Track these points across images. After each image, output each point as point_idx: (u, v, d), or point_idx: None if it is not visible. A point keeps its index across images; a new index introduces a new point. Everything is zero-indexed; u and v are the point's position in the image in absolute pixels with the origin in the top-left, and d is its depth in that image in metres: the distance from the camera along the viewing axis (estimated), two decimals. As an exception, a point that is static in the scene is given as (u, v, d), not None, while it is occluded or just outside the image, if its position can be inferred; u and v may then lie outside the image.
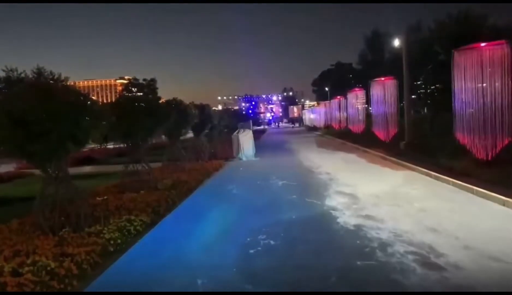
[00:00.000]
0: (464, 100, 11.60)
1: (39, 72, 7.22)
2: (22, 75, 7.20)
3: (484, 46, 11.05)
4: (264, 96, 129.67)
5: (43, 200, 7.29)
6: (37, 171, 8.14)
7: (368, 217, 7.88)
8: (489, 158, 11.02)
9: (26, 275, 5.02)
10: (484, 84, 10.99)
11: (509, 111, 10.55)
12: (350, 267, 5.40)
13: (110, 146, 24.02)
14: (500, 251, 5.61)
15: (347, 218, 7.88)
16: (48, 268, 5.25)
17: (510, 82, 10.55)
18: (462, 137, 11.82)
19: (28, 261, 5.40)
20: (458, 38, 20.09)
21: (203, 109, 19.44)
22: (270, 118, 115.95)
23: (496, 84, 10.71)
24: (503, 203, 8.15)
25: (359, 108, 28.10)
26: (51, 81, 7.23)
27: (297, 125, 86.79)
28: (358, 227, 7.23)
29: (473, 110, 11.31)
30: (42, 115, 6.50)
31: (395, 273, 5.07)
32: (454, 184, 10.37)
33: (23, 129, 6.48)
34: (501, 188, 8.84)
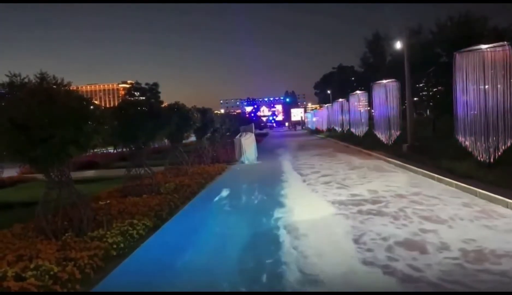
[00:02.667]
0: (466, 102, 11.59)
1: (42, 77, 7.24)
2: (25, 80, 7.22)
3: (486, 48, 11.06)
4: (266, 99, 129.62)
5: (46, 205, 7.32)
6: (39, 176, 8.17)
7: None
8: (491, 160, 11.01)
9: (29, 279, 5.03)
10: (486, 86, 10.99)
11: (511, 113, 10.56)
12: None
13: (111, 150, 24.10)
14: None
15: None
16: (51, 273, 5.25)
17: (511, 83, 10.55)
18: (463, 139, 11.81)
19: (31, 266, 5.40)
20: (460, 40, 20.17)
21: (205, 112, 19.47)
22: (273, 122, 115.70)
23: (498, 86, 10.71)
24: (507, 205, 8.14)
25: (361, 110, 28.14)
26: (53, 86, 7.25)
27: (299, 128, 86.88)
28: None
29: (475, 112, 11.30)
30: (44, 120, 6.52)
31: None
32: (457, 186, 10.35)
33: (26, 134, 6.51)
34: (504, 190, 8.84)
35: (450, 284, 4.75)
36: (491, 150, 10.99)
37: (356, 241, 6.63)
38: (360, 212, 8.59)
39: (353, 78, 75.97)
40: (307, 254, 6.16)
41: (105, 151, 25.25)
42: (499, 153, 10.92)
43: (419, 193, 10.14)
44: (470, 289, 4.64)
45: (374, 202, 9.48)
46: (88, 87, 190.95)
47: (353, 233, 7.09)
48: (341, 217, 8.26)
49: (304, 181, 13.34)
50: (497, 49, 10.84)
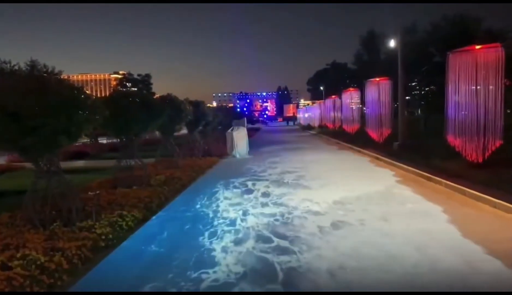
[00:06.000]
0: (457, 102, 11.67)
1: (33, 65, 7.13)
2: (15, 67, 7.10)
3: (479, 48, 11.13)
4: (259, 94, 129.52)
5: (35, 194, 7.24)
6: (28, 165, 8.08)
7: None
8: (481, 160, 11.11)
9: (16, 269, 4.98)
10: (478, 87, 11.07)
11: (501, 114, 10.67)
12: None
13: (103, 141, 23.98)
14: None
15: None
16: (38, 262, 5.21)
17: (503, 85, 10.66)
18: (453, 139, 11.90)
19: (18, 255, 5.36)
20: (454, 40, 20.28)
21: (197, 105, 19.39)
22: (266, 117, 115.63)
23: (490, 87, 10.80)
24: (494, 205, 8.22)
25: (354, 108, 28.21)
26: (44, 74, 7.16)
27: (291, 124, 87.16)
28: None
29: (466, 112, 11.38)
30: (35, 108, 6.44)
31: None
32: (446, 186, 10.43)
33: (16, 123, 6.43)
34: (493, 190, 8.94)
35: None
36: (481, 150, 11.08)
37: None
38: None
39: (346, 75, 76.03)
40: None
41: (93, 141, 25.12)
42: (489, 153, 11.02)
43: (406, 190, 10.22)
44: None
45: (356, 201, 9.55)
46: (80, 76, 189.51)
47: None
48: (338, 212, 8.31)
49: (293, 178, 13.36)
50: (490, 49, 10.91)
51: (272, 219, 8.07)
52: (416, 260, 5.53)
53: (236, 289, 4.89)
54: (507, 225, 7.09)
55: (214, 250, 6.32)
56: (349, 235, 6.84)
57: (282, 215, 8.34)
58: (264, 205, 9.35)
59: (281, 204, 9.32)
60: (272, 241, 6.64)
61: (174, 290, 4.95)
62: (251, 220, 8.02)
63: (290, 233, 7.06)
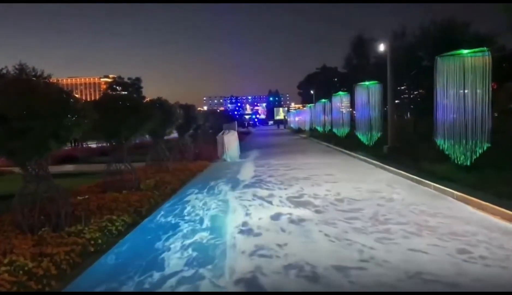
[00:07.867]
0: (445, 105, 11.79)
1: (21, 68, 7.11)
2: (4, 71, 7.06)
3: (467, 53, 11.27)
4: (249, 98, 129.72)
5: (23, 199, 7.15)
6: (17, 169, 8.00)
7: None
8: (469, 163, 11.22)
9: (3, 275, 4.92)
10: (466, 90, 11.21)
11: (489, 117, 10.80)
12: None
13: (93, 145, 23.80)
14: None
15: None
16: (26, 268, 5.15)
17: (490, 88, 10.81)
18: (442, 142, 12.01)
19: (5, 261, 5.29)
20: (442, 44, 20.54)
21: (188, 109, 19.37)
22: (256, 121, 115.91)
23: (478, 90, 10.92)
24: (482, 208, 8.32)
25: (344, 111, 28.36)
26: (33, 78, 7.11)
27: (282, 127, 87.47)
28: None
29: (454, 115, 11.50)
30: (23, 112, 6.39)
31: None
32: (435, 188, 10.52)
33: (4, 126, 6.36)
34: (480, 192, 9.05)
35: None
36: (469, 153, 11.20)
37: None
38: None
39: (336, 79, 76.54)
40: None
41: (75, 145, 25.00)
42: (477, 156, 11.13)
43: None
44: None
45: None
46: (69, 80, 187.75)
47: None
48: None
49: (281, 182, 13.40)
50: (477, 54, 11.06)
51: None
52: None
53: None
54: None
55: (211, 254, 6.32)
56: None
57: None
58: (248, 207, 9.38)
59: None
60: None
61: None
62: (238, 222, 8.03)
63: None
